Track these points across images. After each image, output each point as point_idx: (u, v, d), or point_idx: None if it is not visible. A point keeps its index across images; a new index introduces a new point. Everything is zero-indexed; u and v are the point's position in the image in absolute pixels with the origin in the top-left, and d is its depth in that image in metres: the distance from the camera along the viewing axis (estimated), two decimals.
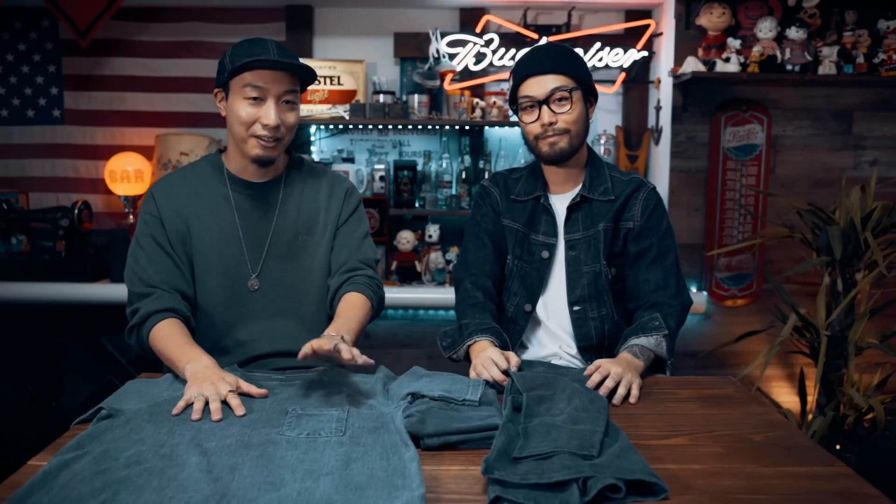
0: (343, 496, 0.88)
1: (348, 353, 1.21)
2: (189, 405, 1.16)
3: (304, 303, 1.54)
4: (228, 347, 1.50)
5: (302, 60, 1.46)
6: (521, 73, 1.58)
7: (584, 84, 1.59)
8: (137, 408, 1.17)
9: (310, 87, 3.13)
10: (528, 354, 1.70)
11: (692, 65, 2.80)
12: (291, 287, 1.53)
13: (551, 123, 1.55)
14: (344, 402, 1.21)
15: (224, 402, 1.17)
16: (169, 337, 1.36)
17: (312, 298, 1.55)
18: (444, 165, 3.18)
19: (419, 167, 3.20)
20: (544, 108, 1.55)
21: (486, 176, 3.13)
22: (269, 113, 1.41)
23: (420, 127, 3.21)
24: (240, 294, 1.50)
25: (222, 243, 1.50)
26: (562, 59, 1.57)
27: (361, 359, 1.22)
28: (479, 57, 3.10)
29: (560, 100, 1.55)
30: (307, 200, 1.56)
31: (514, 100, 1.62)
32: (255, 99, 1.40)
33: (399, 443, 1.04)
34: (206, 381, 1.21)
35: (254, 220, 1.52)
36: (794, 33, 2.82)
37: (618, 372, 1.33)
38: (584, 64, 1.62)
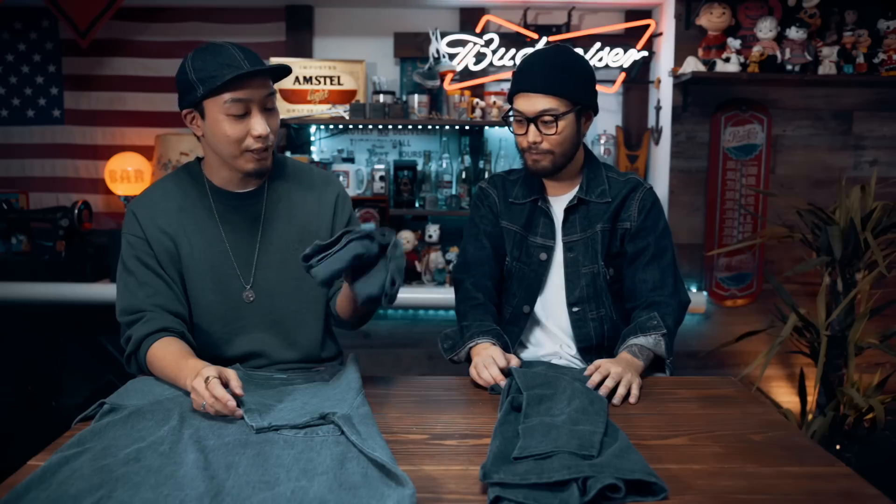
0: (336, 495, 0.88)
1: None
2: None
3: (302, 309, 1.49)
4: (231, 363, 1.43)
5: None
6: (515, 85, 1.55)
7: (580, 102, 1.54)
8: (139, 404, 1.17)
9: (310, 87, 3.15)
10: (528, 354, 1.69)
11: (692, 65, 2.80)
12: (288, 295, 1.48)
13: (536, 143, 1.54)
14: (343, 402, 1.20)
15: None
16: (164, 357, 1.30)
17: (311, 304, 1.50)
18: (444, 165, 3.18)
19: (419, 167, 3.20)
20: (531, 126, 1.53)
21: (486, 176, 3.13)
22: (257, 124, 1.33)
23: (420, 127, 3.21)
24: (236, 308, 1.45)
25: (212, 259, 1.43)
26: (557, 76, 1.51)
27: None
28: (479, 57, 3.10)
29: (548, 122, 1.52)
30: (296, 206, 1.49)
31: (511, 103, 1.59)
32: (239, 115, 1.33)
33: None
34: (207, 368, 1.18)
35: (241, 232, 1.45)
36: (794, 33, 2.82)
37: (618, 372, 1.33)
38: (585, 77, 1.55)
